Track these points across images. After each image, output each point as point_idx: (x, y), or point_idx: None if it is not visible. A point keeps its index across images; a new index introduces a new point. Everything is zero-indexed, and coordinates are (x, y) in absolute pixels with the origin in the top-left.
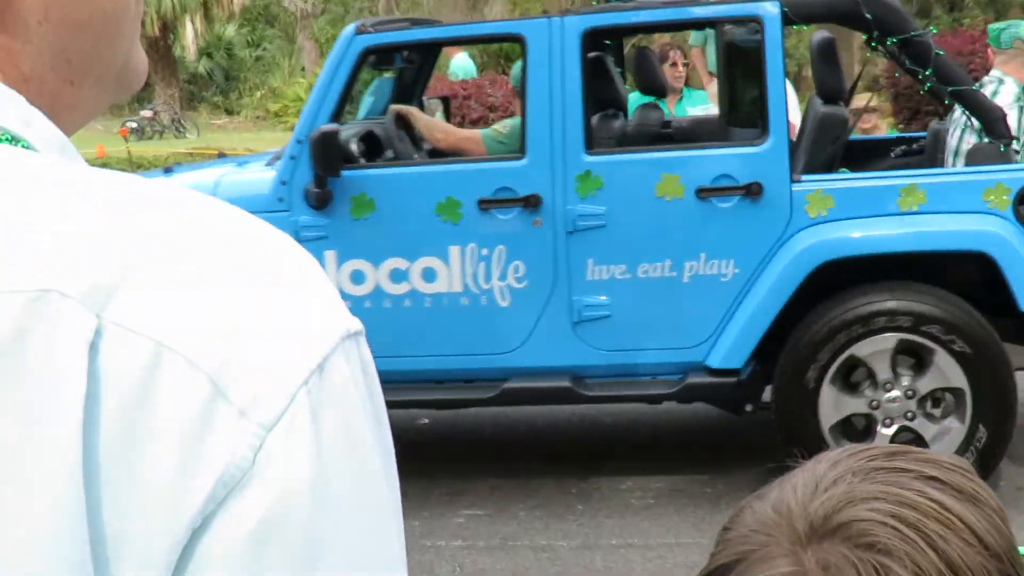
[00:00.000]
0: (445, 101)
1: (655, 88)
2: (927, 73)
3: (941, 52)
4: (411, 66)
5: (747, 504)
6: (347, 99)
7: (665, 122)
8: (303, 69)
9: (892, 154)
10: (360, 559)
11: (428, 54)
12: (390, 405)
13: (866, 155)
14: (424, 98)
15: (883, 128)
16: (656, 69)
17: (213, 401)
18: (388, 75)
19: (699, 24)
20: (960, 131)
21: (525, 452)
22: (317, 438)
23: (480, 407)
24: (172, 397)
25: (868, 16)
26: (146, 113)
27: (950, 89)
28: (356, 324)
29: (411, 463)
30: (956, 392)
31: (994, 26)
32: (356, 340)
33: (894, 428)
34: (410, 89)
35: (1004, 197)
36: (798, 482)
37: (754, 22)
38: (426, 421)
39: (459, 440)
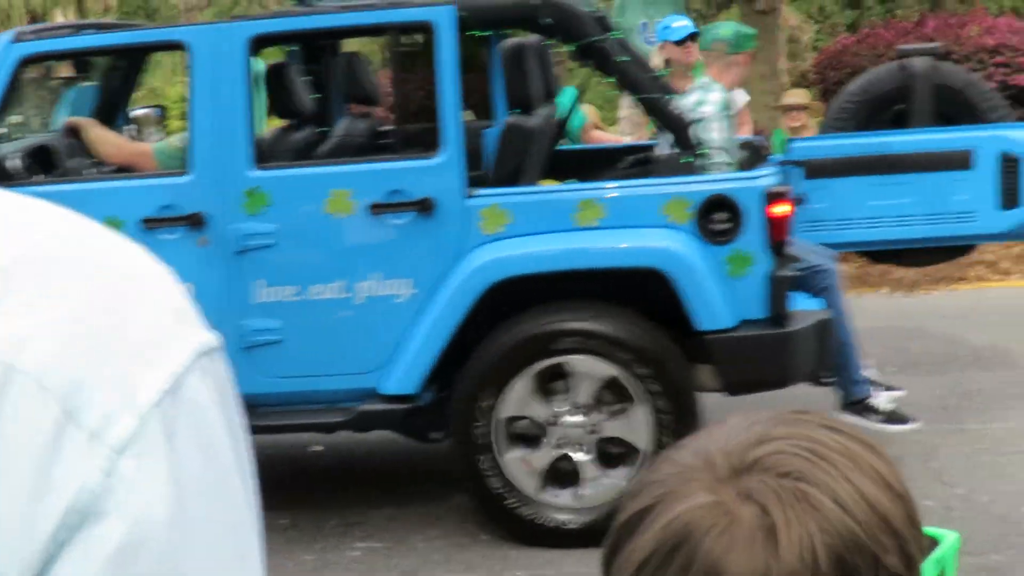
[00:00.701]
0: (163, 110)
1: (364, 97)
2: (611, 80)
3: (627, 58)
4: (116, 72)
5: (665, 455)
6: (5, 110)
7: (380, 132)
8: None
9: (620, 164)
10: None
11: (135, 60)
12: None
13: (603, 164)
14: (137, 108)
15: (811, 126)
16: (367, 77)
17: (63, 424)
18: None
19: (371, 31)
20: (666, 141)
21: (424, 479)
22: (171, 460)
23: None
24: (20, 421)
25: (547, 22)
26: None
27: (636, 97)
28: (212, 340)
29: (303, 492)
30: (631, 449)
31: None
32: (211, 357)
33: (558, 453)
34: (116, 97)
35: (684, 211)
36: (713, 433)
37: (427, 28)
38: (320, 448)
39: (355, 467)
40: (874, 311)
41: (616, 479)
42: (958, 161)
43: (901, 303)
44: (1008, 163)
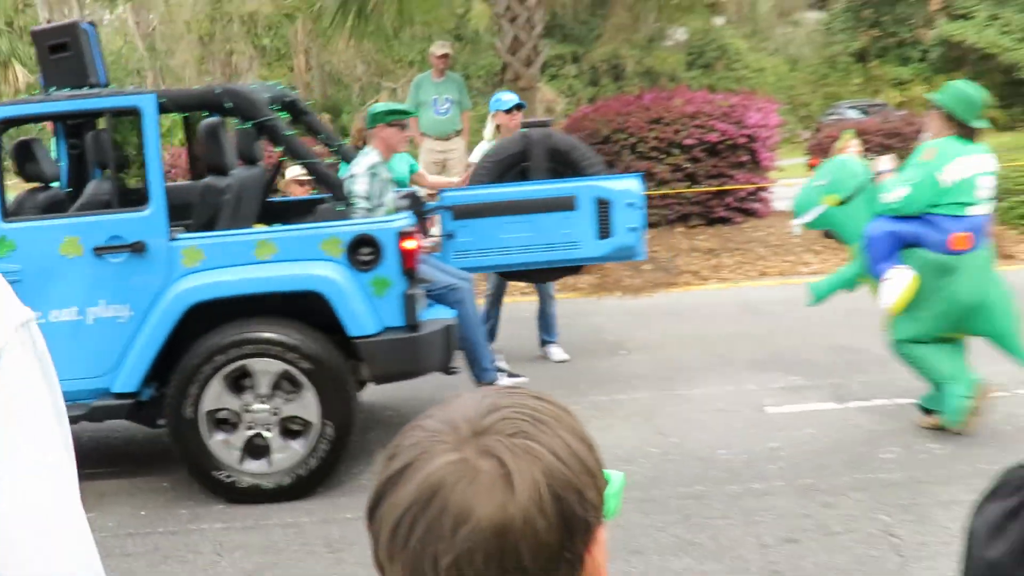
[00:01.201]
0: None
1: (38, 175)
2: (279, 149)
3: (291, 133)
4: None
5: (415, 423)
6: None
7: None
8: None
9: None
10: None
11: None
12: None
13: (303, 213)
14: None
15: None
16: (38, 157)
17: None
18: None
19: (93, 114)
20: None
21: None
22: (30, 360)
23: None
24: None
25: (229, 105)
26: None
27: (301, 162)
28: (28, 312)
29: (174, 465)
30: (308, 424)
31: None
32: (29, 327)
33: (252, 432)
34: None
35: (338, 247)
36: (454, 404)
37: (135, 112)
38: None
39: None
40: (611, 310)
41: (297, 448)
42: (566, 204)
43: (630, 303)
44: (601, 205)
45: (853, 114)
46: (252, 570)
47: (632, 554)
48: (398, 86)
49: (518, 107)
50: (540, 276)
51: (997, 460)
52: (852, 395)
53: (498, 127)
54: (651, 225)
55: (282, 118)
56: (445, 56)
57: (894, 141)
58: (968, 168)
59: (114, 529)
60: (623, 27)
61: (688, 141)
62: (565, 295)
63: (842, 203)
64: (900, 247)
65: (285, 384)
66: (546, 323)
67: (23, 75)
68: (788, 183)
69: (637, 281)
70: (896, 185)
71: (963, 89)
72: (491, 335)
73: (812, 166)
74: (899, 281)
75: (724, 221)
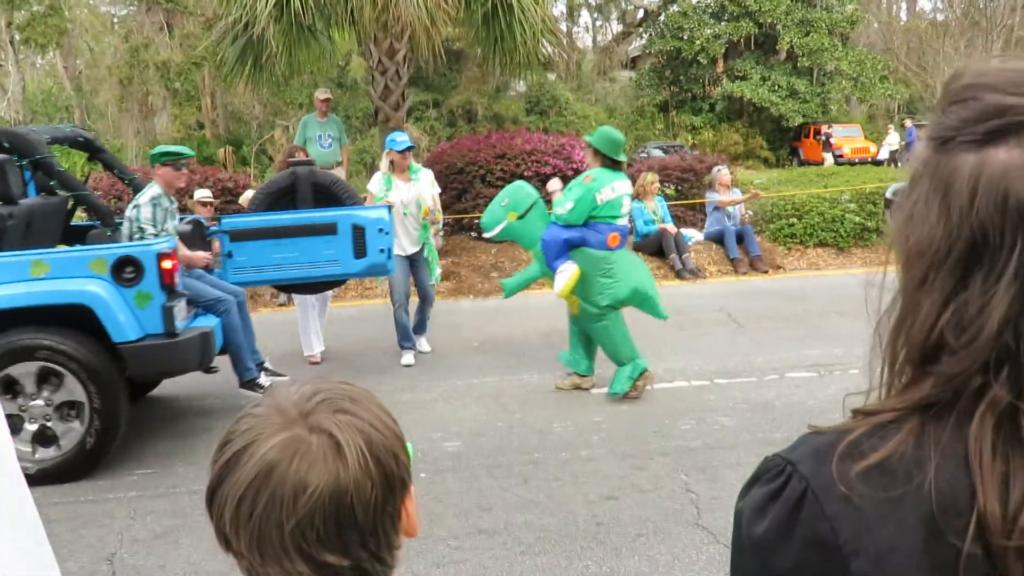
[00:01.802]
0: None
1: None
2: (53, 183)
3: (63, 168)
4: None
5: (245, 412)
6: None
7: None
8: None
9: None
10: None
11: None
12: None
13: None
14: None
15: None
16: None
17: None
18: None
19: None
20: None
21: (187, 425)
22: None
23: None
24: None
25: (6, 144)
26: None
27: (71, 194)
28: None
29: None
30: (79, 404)
31: None
32: None
33: (37, 425)
34: None
35: (104, 266)
36: (279, 392)
37: None
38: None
39: (134, 421)
40: (466, 310)
41: (77, 427)
42: (328, 229)
43: (482, 304)
44: (357, 231)
45: (657, 152)
46: (162, 532)
47: (483, 511)
48: (289, 123)
49: (409, 148)
50: (308, 289)
51: (773, 430)
52: (659, 378)
53: (391, 162)
54: (498, 241)
55: (55, 156)
56: (327, 100)
57: (688, 175)
58: (616, 190)
59: (39, 499)
60: (475, 79)
61: (527, 173)
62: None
63: (520, 218)
64: (568, 248)
65: (52, 379)
66: (421, 320)
67: None
68: None
69: (487, 287)
70: (565, 201)
71: (609, 132)
72: (420, 328)
73: None
74: (567, 273)
75: None
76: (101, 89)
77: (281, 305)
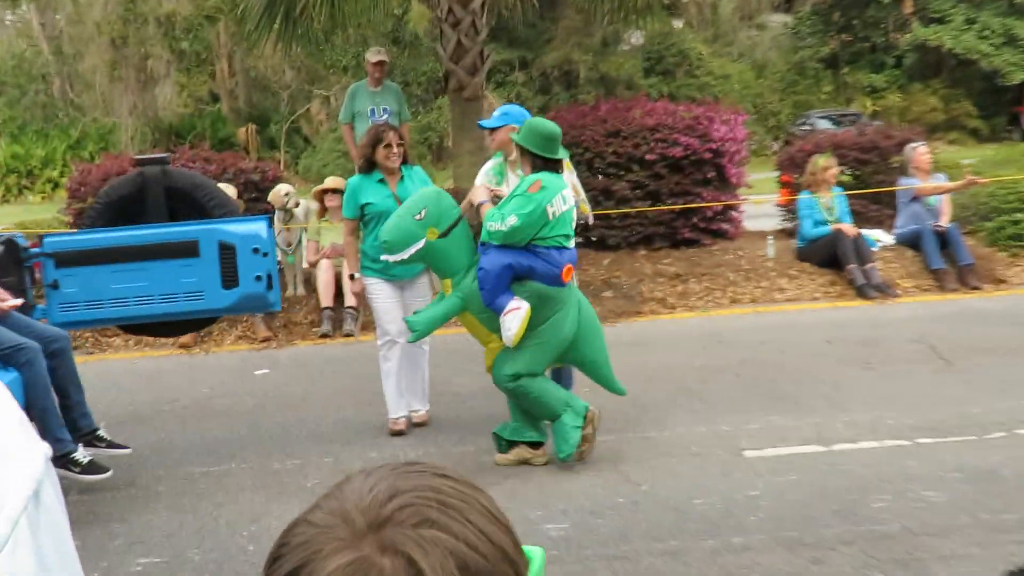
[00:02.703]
0: None
1: None
2: None
3: None
4: None
5: (301, 518)
6: None
7: None
8: None
9: None
10: None
11: None
12: None
13: None
14: None
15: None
16: None
17: None
18: None
19: None
20: None
21: (197, 498)
22: (38, 555)
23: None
24: None
25: None
26: None
27: None
28: (47, 447)
29: (88, 515)
30: None
31: None
32: (50, 462)
33: None
34: None
35: None
36: (345, 491)
37: None
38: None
39: (135, 493)
40: None
41: None
42: (187, 250)
43: None
44: (226, 251)
45: (825, 124)
46: None
47: None
48: (331, 94)
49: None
50: (164, 330)
51: (1001, 510)
52: (837, 436)
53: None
54: (611, 248)
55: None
56: (381, 63)
57: (871, 155)
58: (568, 201)
59: None
60: (575, 30)
61: (650, 156)
62: None
63: (442, 236)
64: (512, 280)
65: None
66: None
67: None
68: (759, 200)
69: (597, 310)
70: (506, 215)
71: (538, 127)
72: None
73: (783, 182)
74: (519, 314)
75: (691, 243)
76: (87, 52)
77: (324, 337)
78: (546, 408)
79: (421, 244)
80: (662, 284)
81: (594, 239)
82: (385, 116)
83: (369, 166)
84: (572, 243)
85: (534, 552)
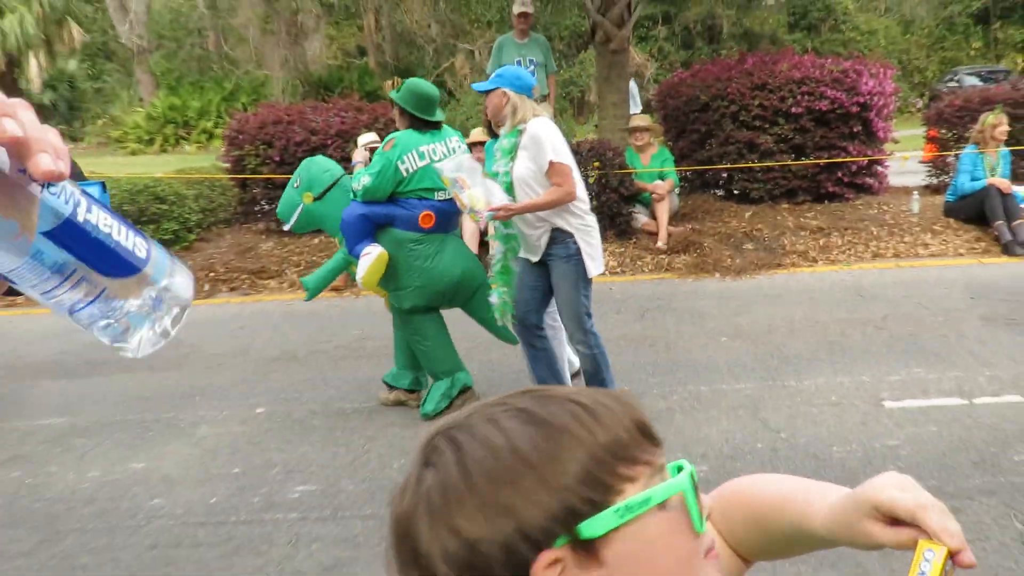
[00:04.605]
0: None
1: None
2: None
3: None
4: None
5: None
6: None
7: None
8: (140, 99)
9: None
10: None
11: None
12: None
13: None
14: None
15: (654, 144)
16: None
17: None
18: None
19: None
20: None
21: (347, 435)
22: None
23: None
24: None
25: None
26: None
27: None
28: None
29: (248, 445)
30: None
31: None
32: None
33: None
34: None
35: None
36: None
37: None
38: (261, 410)
39: (292, 426)
40: (710, 292)
41: None
42: None
43: (731, 285)
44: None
45: (972, 81)
46: (331, 565)
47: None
48: (475, 47)
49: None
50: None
51: None
52: (979, 390)
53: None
54: (754, 201)
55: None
56: (526, 15)
57: (1022, 111)
58: (427, 156)
59: (183, 517)
60: None
61: (796, 109)
62: (660, 276)
63: (317, 199)
64: (374, 228)
65: None
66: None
67: (79, 33)
68: (904, 156)
69: (739, 262)
70: (362, 175)
71: (415, 87)
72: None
73: (931, 138)
74: (370, 257)
75: (834, 197)
76: (240, 6)
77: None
78: (430, 363)
79: (300, 209)
80: (804, 237)
81: (736, 192)
82: (531, 68)
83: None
84: (442, 196)
85: (683, 463)
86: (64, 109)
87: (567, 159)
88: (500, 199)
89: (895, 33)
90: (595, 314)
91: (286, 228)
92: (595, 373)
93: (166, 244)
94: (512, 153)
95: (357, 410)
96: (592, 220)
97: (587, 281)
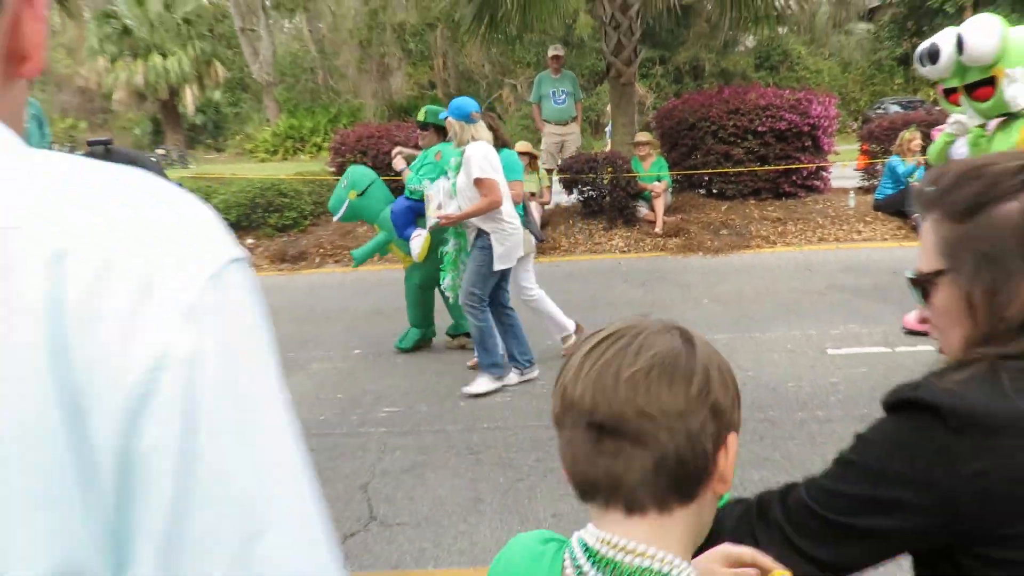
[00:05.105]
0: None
1: None
2: None
3: None
4: None
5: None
6: None
7: None
8: (267, 121)
9: None
10: (250, 414)
11: None
12: None
13: None
14: None
15: (654, 155)
16: None
17: (141, 296)
18: None
19: None
20: None
21: (423, 367)
22: (221, 322)
23: None
24: (114, 294)
25: None
26: (160, 151)
27: None
28: (242, 252)
29: (349, 379)
30: None
31: None
32: (242, 264)
33: None
34: None
35: None
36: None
37: None
38: (358, 351)
39: (381, 362)
40: (695, 267)
41: None
42: None
43: (711, 261)
44: None
45: (895, 108)
46: (409, 467)
47: None
48: (517, 82)
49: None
50: None
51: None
52: (900, 341)
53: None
54: (728, 198)
55: None
56: (558, 57)
57: (933, 130)
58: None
59: (301, 430)
60: (703, 35)
61: (761, 128)
62: (656, 254)
63: (360, 195)
64: (415, 217)
65: None
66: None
67: (222, 71)
68: (844, 164)
69: (716, 244)
70: (419, 180)
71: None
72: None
73: (863, 151)
74: (420, 239)
75: (790, 195)
76: (342, 51)
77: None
78: (413, 315)
79: (346, 204)
80: (766, 226)
81: (715, 191)
82: (564, 96)
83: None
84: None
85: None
86: (211, 128)
87: (493, 175)
88: (449, 209)
89: (836, 72)
90: (606, 285)
91: (335, 219)
92: (480, 341)
93: (287, 228)
94: (457, 169)
95: (429, 351)
96: (511, 228)
97: (491, 271)
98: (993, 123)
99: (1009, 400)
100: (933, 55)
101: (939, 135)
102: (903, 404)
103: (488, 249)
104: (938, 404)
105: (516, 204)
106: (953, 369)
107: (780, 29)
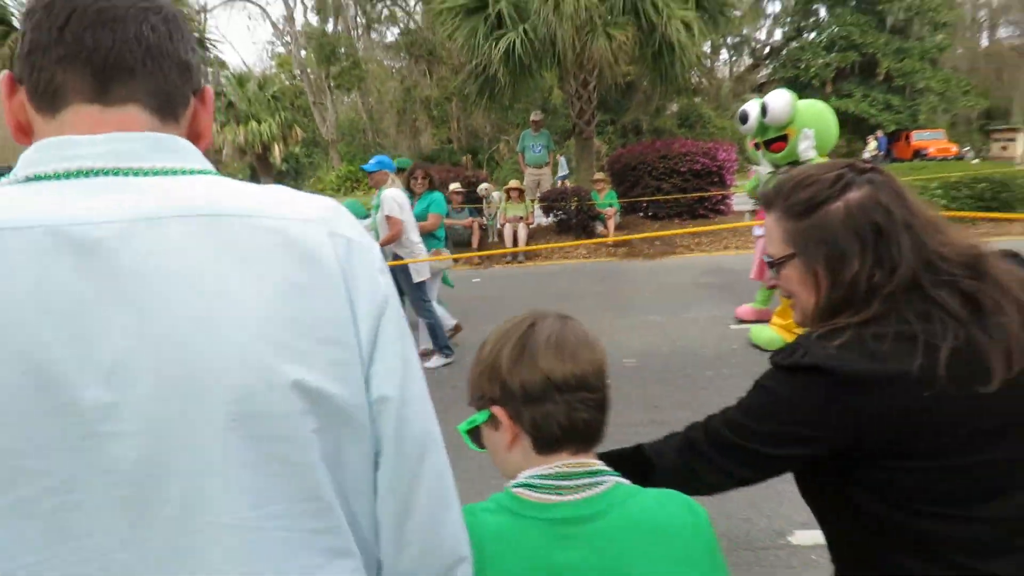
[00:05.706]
0: None
1: None
2: None
3: None
4: None
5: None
6: None
7: None
8: (332, 167)
9: None
10: (408, 338)
11: None
12: None
13: None
14: None
15: (607, 188)
16: None
17: (362, 256)
18: None
19: None
20: None
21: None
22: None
23: None
24: (355, 253)
25: None
26: None
27: None
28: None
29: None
30: None
31: None
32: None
33: None
34: None
35: None
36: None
37: None
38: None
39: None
40: (636, 268)
41: None
42: None
43: (649, 264)
44: None
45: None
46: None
47: (654, 408)
48: (509, 138)
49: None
50: None
51: None
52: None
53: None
54: (660, 218)
55: None
56: (537, 121)
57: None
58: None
59: None
60: (641, 103)
61: (683, 169)
62: (609, 259)
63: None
64: None
65: None
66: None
67: (300, 132)
68: (741, 195)
69: (652, 251)
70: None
71: (386, 160)
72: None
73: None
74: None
75: (703, 216)
76: (384, 117)
77: (508, 263)
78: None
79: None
80: (686, 238)
81: (651, 214)
82: (540, 148)
83: (410, 191)
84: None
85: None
86: (292, 173)
87: (400, 214)
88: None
89: (735, 129)
90: (577, 282)
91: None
92: (433, 335)
93: None
94: (378, 207)
95: (474, 330)
96: (418, 250)
97: (416, 282)
98: (782, 169)
99: (879, 362)
100: (743, 117)
101: (753, 175)
102: (796, 367)
103: (406, 268)
104: (827, 367)
105: (435, 230)
106: (827, 337)
107: (696, 99)
